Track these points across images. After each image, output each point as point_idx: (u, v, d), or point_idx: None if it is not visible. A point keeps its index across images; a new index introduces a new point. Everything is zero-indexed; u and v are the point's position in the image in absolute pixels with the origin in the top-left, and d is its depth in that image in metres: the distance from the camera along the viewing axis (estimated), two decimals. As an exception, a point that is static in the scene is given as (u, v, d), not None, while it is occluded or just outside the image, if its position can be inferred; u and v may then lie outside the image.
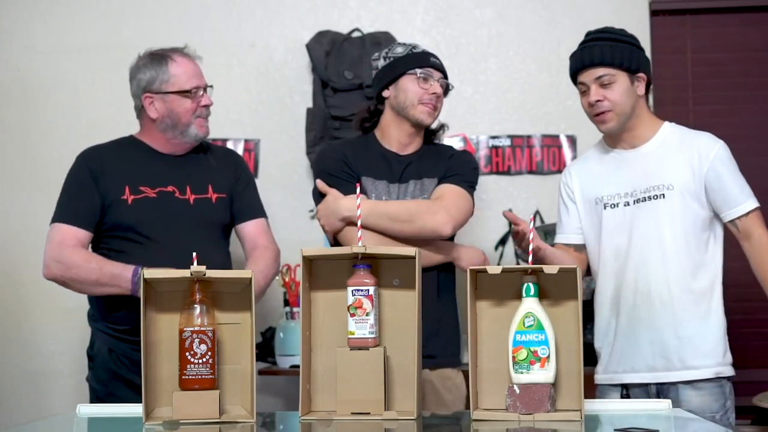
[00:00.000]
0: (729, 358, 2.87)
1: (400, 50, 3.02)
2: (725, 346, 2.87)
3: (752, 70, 4.03)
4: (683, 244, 2.84)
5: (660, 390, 2.84)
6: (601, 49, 2.85)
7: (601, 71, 2.84)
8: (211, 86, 3.05)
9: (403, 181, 2.97)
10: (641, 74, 2.89)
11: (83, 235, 2.92)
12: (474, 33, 4.05)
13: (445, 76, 3.03)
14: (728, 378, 2.85)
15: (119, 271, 2.83)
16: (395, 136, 3.01)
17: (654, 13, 4.00)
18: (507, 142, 4.01)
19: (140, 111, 3.02)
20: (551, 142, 4.01)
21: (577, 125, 3.95)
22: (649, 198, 2.86)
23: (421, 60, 2.99)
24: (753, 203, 2.87)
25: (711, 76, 4.03)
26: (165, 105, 2.96)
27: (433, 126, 3.06)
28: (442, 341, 2.94)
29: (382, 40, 3.93)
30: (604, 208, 2.93)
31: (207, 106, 3.01)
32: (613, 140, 2.97)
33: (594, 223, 2.96)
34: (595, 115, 2.88)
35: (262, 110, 4.05)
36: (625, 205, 2.90)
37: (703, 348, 2.83)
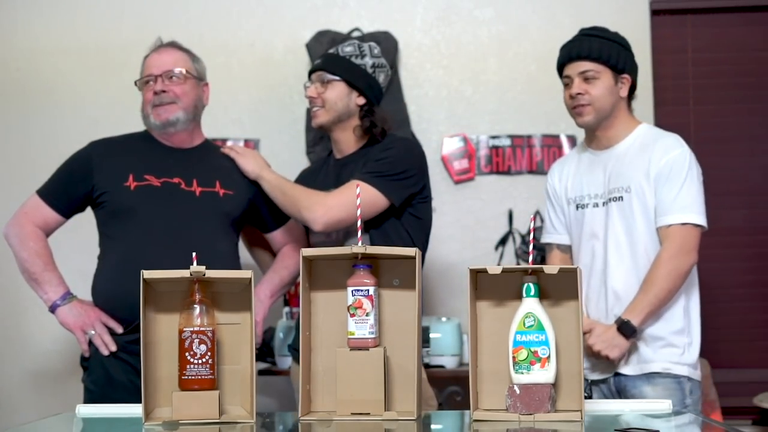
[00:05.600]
0: (689, 358, 2.81)
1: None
2: (687, 346, 2.82)
3: (752, 70, 4.03)
4: (640, 246, 2.81)
5: (618, 387, 2.82)
6: (590, 44, 2.88)
7: (586, 65, 2.87)
8: (170, 74, 2.94)
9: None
10: (626, 76, 2.89)
11: (52, 218, 2.98)
12: (474, 33, 4.05)
13: (327, 67, 2.98)
14: (687, 378, 2.80)
15: (52, 286, 2.92)
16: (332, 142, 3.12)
17: (654, 13, 3.99)
18: (507, 142, 4.01)
19: None
20: (551, 142, 4.01)
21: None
22: (612, 200, 2.85)
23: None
24: (682, 218, 2.77)
25: (711, 76, 4.03)
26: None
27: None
28: None
29: (382, 39, 3.93)
30: (576, 209, 2.93)
31: (158, 93, 2.95)
32: (589, 139, 2.98)
33: (572, 223, 2.96)
34: (573, 107, 2.90)
35: (262, 110, 4.05)
36: (594, 206, 2.89)
37: (655, 344, 2.79)
